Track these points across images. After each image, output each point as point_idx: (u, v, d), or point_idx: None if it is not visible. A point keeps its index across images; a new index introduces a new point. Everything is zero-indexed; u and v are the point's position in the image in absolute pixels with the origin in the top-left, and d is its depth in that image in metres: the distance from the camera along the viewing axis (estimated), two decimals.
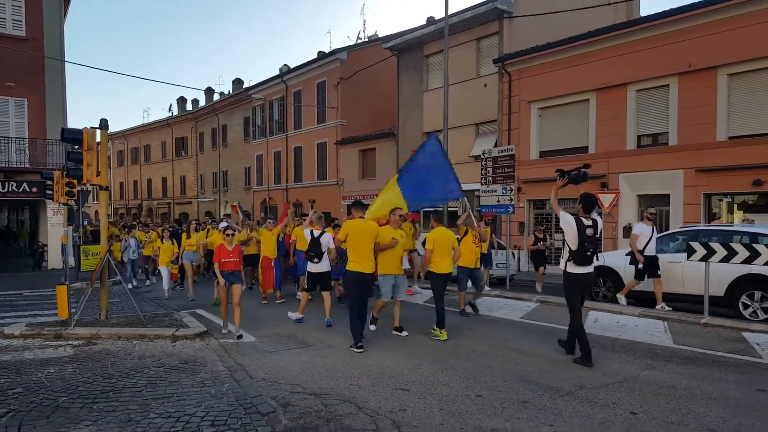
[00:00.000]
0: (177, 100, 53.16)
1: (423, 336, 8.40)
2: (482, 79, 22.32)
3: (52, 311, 10.19)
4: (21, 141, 20.31)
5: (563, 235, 7.04)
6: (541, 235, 14.21)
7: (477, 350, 7.58)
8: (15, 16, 20.49)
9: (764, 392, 5.68)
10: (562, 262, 6.99)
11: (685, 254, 9.66)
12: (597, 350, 7.52)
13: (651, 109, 17.25)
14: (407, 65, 26.16)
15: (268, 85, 36.13)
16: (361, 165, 29.59)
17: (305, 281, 12.64)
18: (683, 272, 10.34)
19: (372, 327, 8.69)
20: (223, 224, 13.81)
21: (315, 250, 9.59)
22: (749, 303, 9.57)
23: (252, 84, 39.36)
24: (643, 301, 11.14)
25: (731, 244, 9.03)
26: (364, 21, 62.87)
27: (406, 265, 12.00)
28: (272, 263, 12.17)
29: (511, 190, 14.04)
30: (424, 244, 10.79)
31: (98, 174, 9.70)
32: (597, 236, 6.84)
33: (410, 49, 25.80)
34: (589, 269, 6.89)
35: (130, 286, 14.11)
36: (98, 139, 9.70)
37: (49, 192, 15.85)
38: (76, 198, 15.16)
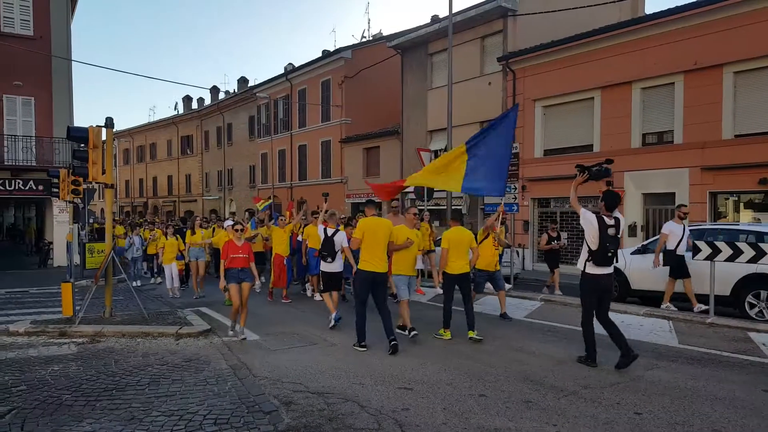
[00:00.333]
0: (183, 98, 53.36)
1: (427, 335, 8.37)
2: (486, 77, 22.26)
3: (57, 308, 10.23)
4: (28, 139, 20.42)
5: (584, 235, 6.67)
6: (554, 234, 13.61)
7: (481, 349, 7.57)
8: (23, 16, 20.60)
9: None
10: (581, 261, 6.70)
11: (690, 253, 9.60)
12: (601, 350, 7.47)
13: (656, 107, 17.16)
14: (411, 64, 26.12)
15: (273, 83, 36.16)
16: (366, 163, 29.58)
17: (315, 281, 12.65)
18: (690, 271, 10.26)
19: (414, 333, 8.20)
20: (229, 222, 13.75)
21: (328, 249, 9.31)
22: (755, 302, 9.50)
23: (257, 83, 39.41)
24: (647, 300, 11.10)
25: (737, 243, 8.97)
26: (369, 20, 62.89)
27: (420, 265, 11.71)
28: (284, 261, 12.01)
29: (515, 188, 14.02)
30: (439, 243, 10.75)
31: (103, 172, 9.74)
32: (619, 236, 6.60)
33: (414, 47, 25.75)
34: (609, 270, 6.61)
35: (134, 284, 14.08)
36: (104, 137, 9.74)
37: (55, 190, 15.98)
38: (81, 196, 15.22)
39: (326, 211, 9.89)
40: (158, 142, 53.09)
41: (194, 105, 51.54)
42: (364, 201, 27.85)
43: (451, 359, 7.01)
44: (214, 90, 49.01)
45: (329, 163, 31.92)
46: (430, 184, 9.21)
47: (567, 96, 19.37)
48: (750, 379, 6.11)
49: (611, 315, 9.88)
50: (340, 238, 9.29)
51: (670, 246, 10.10)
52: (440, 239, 8.83)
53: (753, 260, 8.78)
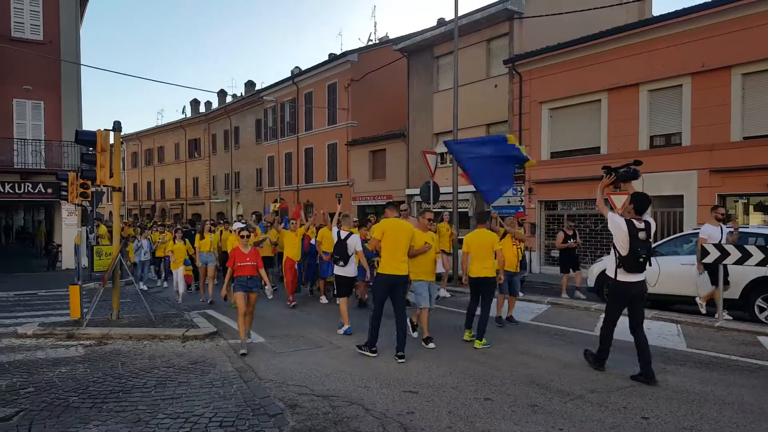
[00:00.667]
0: (190, 102, 53.54)
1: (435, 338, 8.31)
2: (493, 79, 22.22)
3: (65, 311, 10.28)
4: (37, 143, 20.55)
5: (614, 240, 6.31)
6: (570, 232, 13.03)
7: (487, 353, 7.54)
8: (33, 21, 20.76)
9: None
10: (611, 268, 6.40)
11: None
12: (610, 353, 7.45)
13: (664, 110, 17.06)
14: (417, 67, 26.12)
15: (280, 87, 36.27)
16: (372, 166, 29.59)
17: (323, 285, 12.46)
18: (697, 274, 10.16)
19: (431, 345, 7.86)
20: (238, 225, 13.65)
21: (340, 252, 9.08)
22: (765, 306, 9.44)
23: (264, 86, 39.52)
24: (656, 303, 11.03)
25: (746, 246, 8.89)
26: (375, 23, 63.10)
27: (440, 269, 11.36)
28: (296, 265, 11.85)
29: (521, 190, 13.96)
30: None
31: (111, 175, 9.79)
32: (650, 240, 6.22)
33: (421, 50, 25.75)
34: (641, 277, 6.25)
35: (142, 287, 14.04)
36: (111, 140, 9.79)
37: (63, 193, 16.05)
38: (90, 199, 15.29)
39: (340, 213, 9.69)
40: (166, 145, 53.34)
41: (202, 108, 51.77)
42: (370, 204, 28.12)
43: (456, 362, 6.99)
44: (222, 93, 49.17)
45: (335, 165, 31.95)
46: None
47: (574, 98, 19.29)
48: (759, 384, 6.06)
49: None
50: (354, 242, 9.07)
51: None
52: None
53: (762, 263, 8.70)
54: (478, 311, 8.21)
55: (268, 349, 7.85)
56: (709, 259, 9.13)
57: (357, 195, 29.75)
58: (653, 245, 11.82)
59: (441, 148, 23.85)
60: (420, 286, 8.02)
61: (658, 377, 6.28)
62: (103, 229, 18.41)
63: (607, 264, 6.49)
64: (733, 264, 8.94)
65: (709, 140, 15.75)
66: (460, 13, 17.20)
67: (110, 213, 47.44)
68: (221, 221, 19.92)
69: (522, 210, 14.16)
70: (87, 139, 9.61)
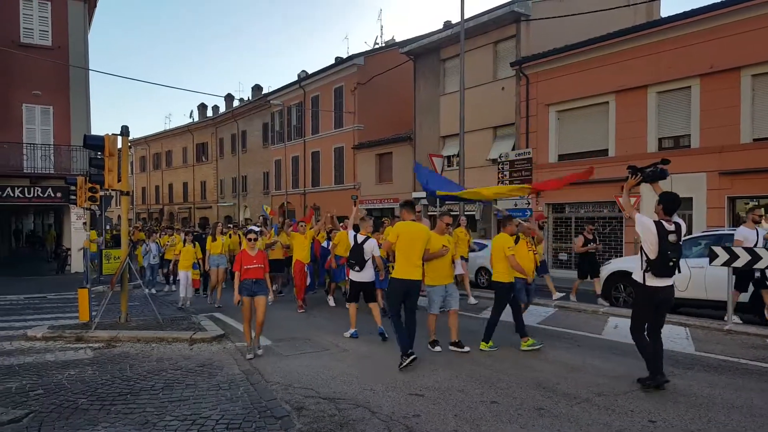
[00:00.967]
0: (198, 106, 53.79)
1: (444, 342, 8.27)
2: (500, 82, 22.21)
3: (74, 314, 10.33)
4: (46, 147, 20.73)
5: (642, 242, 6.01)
6: (590, 236, 12.73)
7: (493, 356, 7.52)
8: (42, 27, 20.97)
9: None
10: (638, 272, 6.09)
11: (708, 259, 9.44)
12: (617, 356, 7.46)
13: (672, 111, 17.00)
14: (424, 69, 26.15)
15: (287, 90, 36.41)
16: (378, 169, 29.63)
17: (333, 288, 12.30)
18: (706, 277, 10.07)
19: (437, 348, 7.76)
20: (254, 228, 13.44)
21: (356, 257, 8.73)
22: None
23: (271, 90, 39.71)
24: None
25: (755, 249, 8.83)
26: (382, 26, 63.22)
27: (460, 270, 10.98)
28: (306, 268, 11.65)
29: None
30: None
31: (119, 179, 9.86)
32: (680, 243, 5.90)
33: (427, 53, 25.78)
34: (669, 282, 5.95)
35: (150, 291, 13.92)
36: (119, 145, 9.86)
37: (72, 197, 16.17)
38: (98, 203, 15.40)
39: (358, 213, 9.45)
40: (174, 149, 53.61)
41: (209, 113, 52.02)
42: (377, 207, 28.11)
43: (463, 365, 6.98)
44: (229, 98, 49.43)
45: (342, 169, 32.01)
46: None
47: (581, 100, 19.25)
48: None
49: (626, 322, 9.86)
50: (371, 246, 8.72)
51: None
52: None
53: None
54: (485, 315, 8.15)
55: (274, 351, 7.87)
56: (717, 263, 9.07)
57: (363, 198, 29.77)
58: None
59: (447, 151, 23.87)
60: (435, 292, 7.69)
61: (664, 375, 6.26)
62: (93, 234, 18.51)
63: (634, 267, 6.12)
64: (743, 267, 8.86)
65: (719, 142, 15.67)
66: (466, 16, 17.22)
67: (119, 217, 47.82)
68: (229, 225, 19.92)
69: (529, 214, 14.07)
70: (95, 143, 9.67)
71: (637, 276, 6.10)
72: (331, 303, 12.26)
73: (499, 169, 14.59)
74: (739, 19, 15.20)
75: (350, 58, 30.93)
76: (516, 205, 14.03)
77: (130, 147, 10.90)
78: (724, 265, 9.02)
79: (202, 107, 53.27)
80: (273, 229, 14.45)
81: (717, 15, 15.63)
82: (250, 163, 41.82)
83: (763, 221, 11.30)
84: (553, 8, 20.99)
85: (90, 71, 22.25)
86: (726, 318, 9.30)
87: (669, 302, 6.10)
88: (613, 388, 5.97)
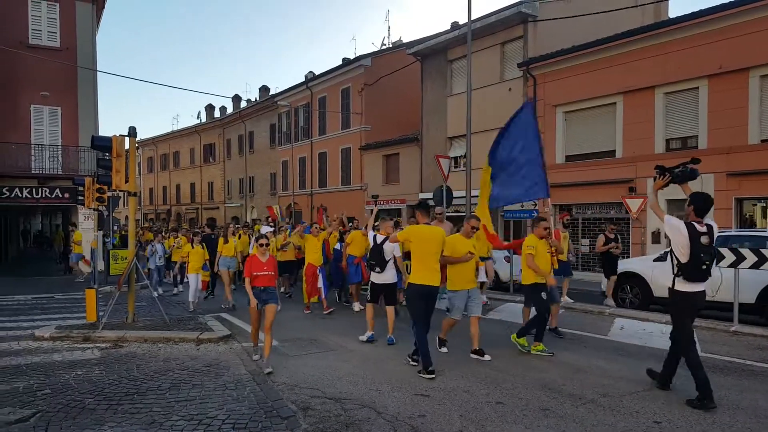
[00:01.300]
0: (205, 107, 54.03)
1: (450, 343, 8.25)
2: (507, 83, 22.18)
3: (82, 314, 10.40)
4: (54, 148, 20.86)
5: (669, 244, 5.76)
6: (612, 236, 12.33)
7: (499, 357, 7.50)
8: (50, 28, 21.11)
9: None
10: (668, 277, 5.79)
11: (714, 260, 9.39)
12: (623, 357, 7.45)
13: (680, 112, 16.93)
14: (431, 70, 26.15)
15: (294, 91, 36.50)
16: (385, 170, 29.66)
17: (355, 290, 11.92)
18: (712, 278, 9.98)
19: (444, 350, 7.66)
20: (266, 229, 13.11)
21: (376, 257, 8.48)
22: None
23: (278, 91, 39.80)
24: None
25: (762, 250, 8.79)
26: (389, 27, 63.00)
27: (483, 277, 10.49)
28: (317, 271, 11.40)
29: None
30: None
31: (127, 180, 9.92)
32: (713, 245, 5.63)
33: (434, 54, 25.79)
34: (702, 287, 5.65)
35: (157, 293, 13.52)
36: (127, 146, 9.92)
37: (80, 198, 16.24)
38: (106, 204, 15.46)
39: (392, 219, 9.09)
40: (181, 150, 53.83)
41: (216, 114, 52.21)
42: (383, 208, 28.10)
43: (468, 366, 6.98)
44: (236, 99, 49.61)
45: (349, 170, 32.06)
46: (484, 214, 8.79)
47: (589, 101, 19.21)
48: None
49: (632, 323, 9.91)
50: (391, 246, 8.46)
51: None
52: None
53: None
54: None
55: (280, 352, 7.89)
56: (724, 264, 9.03)
57: (370, 199, 29.81)
58: (668, 249, 11.77)
59: (454, 152, 23.85)
60: (457, 297, 7.41)
61: (672, 381, 6.23)
62: (78, 235, 18.59)
63: (640, 269, 5.84)
64: (749, 268, 8.82)
65: (726, 143, 15.60)
66: (473, 17, 17.22)
67: (126, 217, 48.09)
68: (237, 225, 19.87)
69: (536, 215, 14.00)
70: (103, 144, 9.74)
71: (668, 282, 5.78)
72: (357, 307, 11.50)
73: None
74: (748, 19, 15.13)
75: (357, 59, 30.98)
76: (522, 206, 13.98)
77: (137, 148, 11.00)
78: (730, 266, 8.99)
79: (210, 108, 53.49)
80: (288, 230, 14.30)
81: (725, 15, 15.56)
82: (258, 163, 41.94)
83: None
84: (561, 9, 20.96)
85: (98, 72, 22.38)
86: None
87: (701, 308, 5.79)
88: (619, 389, 5.96)
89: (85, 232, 21.27)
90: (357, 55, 31.70)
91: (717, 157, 15.71)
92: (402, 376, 6.50)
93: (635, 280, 11.58)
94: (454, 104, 24.31)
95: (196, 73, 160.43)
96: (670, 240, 5.67)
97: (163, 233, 16.59)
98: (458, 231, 8.48)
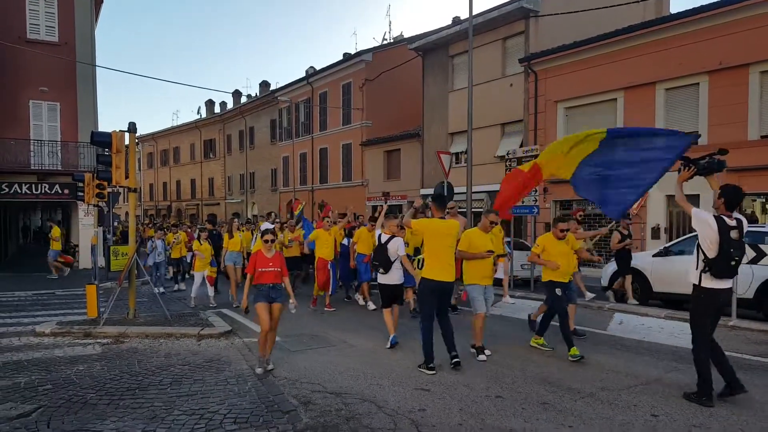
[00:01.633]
0: (205, 102, 54.03)
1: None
2: (508, 78, 22.18)
3: (82, 310, 10.42)
4: (54, 144, 20.84)
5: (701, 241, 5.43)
6: (626, 232, 11.92)
7: (499, 351, 7.53)
8: (48, 23, 21.05)
9: None
10: (694, 273, 5.47)
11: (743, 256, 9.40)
12: (621, 352, 7.48)
13: (680, 108, 16.94)
14: (432, 66, 26.13)
15: (294, 87, 36.47)
16: (386, 166, 29.67)
17: (366, 289, 11.57)
18: None
19: (482, 357, 7.11)
20: (267, 225, 13.00)
21: (380, 257, 8.11)
22: None
23: (278, 86, 39.77)
24: (669, 302, 10.97)
25: (760, 246, 8.82)
26: (390, 22, 62.90)
27: (501, 274, 10.05)
28: (329, 266, 11.22)
29: (536, 190, 13.88)
30: None
31: (127, 176, 9.93)
32: (743, 240, 5.38)
33: (435, 49, 25.77)
34: (729, 284, 5.42)
35: (159, 290, 13.09)
36: (126, 142, 9.93)
37: (80, 194, 16.22)
38: (106, 199, 15.44)
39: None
40: (181, 146, 53.84)
41: (217, 109, 52.16)
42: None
43: (468, 361, 6.99)
44: (237, 94, 49.57)
45: (350, 166, 32.07)
46: (554, 169, 7.25)
47: (589, 97, 19.22)
48: None
49: (631, 318, 9.93)
50: (396, 246, 8.08)
51: None
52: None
53: None
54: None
55: (282, 347, 7.91)
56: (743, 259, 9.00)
57: (371, 195, 29.81)
58: (668, 244, 11.79)
59: (455, 148, 23.84)
60: (475, 290, 7.25)
61: (670, 375, 6.28)
62: (56, 231, 18.56)
63: (690, 268, 5.49)
64: (747, 263, 8.79)
65: (726, 139, 15.56)
66: (475, 12, 17.16)
67: (126, 213, 48.13)
68: (236, 220, 19.79)
69: (536, 211, 14.02)
70: (102, 140, 9.74)
71: (693, 278, 5.50)
72: (371, 306, 11.14)
73: (506, 166, 14.57)
74: (749, 15, 15.12)
75: (358, 54, 30.94)
76: (523, 202, 13.98)
77: (137, 143, 10.98)
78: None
79: (210, 103, 53.47)
80: (302, 223, 14.08)
81: (726, 11, 15.56)
82: (258, 159, 41.94)
83: None
84: (562, 4, 20.93)
85: (97, 67, 22.35)
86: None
87: (727, 305, 5.46)
88: (617, 383, 5.99)
89: (85, 228, 21.31)
90: (358, 50, 31.66)
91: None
92: (403, 371, 6.53)
93: (635, 275, 11.59)
94: (455, 100, 24.30)
95: (196, 68, 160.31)
96: (697, 234, 5.41)
97: (165, 229, 16.39)
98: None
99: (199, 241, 12.61)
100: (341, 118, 32.48)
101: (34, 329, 9.06)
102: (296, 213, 16.52)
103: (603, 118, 18.85)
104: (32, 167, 20.37)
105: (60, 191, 21.18)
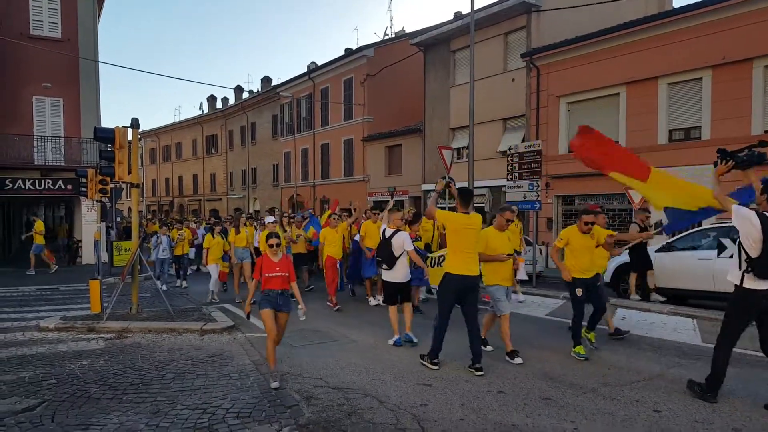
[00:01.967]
0: (207, 98, 53.95)
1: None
2: (510, 73, 22.12)
3: (86, 305, 10.47)
4: (57, 140, 20.87)
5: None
6: (643, 225, 11.32)
7: (501, 347, 7.51)
8: (51, 19, 21.07)
9: None
10: (736, 273, 5.20)
11: (716, 251, 9.41)
12: (623, 347, 7.47)
13: (683, 103, 16.87)
14: (434, 61, 26.07)
15: (296, 82, 36.43)
16: (388, 161, 29.65)
17: (369, 285, 11.42)
18: (714, 269, 10.04)
19: (518, 360, 6.72)
20: (270, 219, 13.02)
21: (383, 253, 7.79)
22: None
23: (280, 82, 39.77)
24: (672, 298, 10.96)
25: None
26: (392, 17, 62.70)
27: (523, 275, 9.39)
28: (337, 264, 11.09)
29: (538, 185, 13.87)
30: None
31: (129, 172, 9.94)
32: None
33: (437, 44, 25.71)
34: None
35: (162, 286, 13.17)
36: (129, 137, 9.93)
37: (83, 189, 16.24)
38: (109, 195, 15.44)
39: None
40: (184, 141, 53.86)
41: (218, 105, 52.19)
42: (386, 199, 28.07)
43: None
44: (238, 90, 49.53)
45: (351, 161, 32.07)
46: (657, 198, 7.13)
47: (592, 92, 19.16)
48: None
49: (634, 313, 9.91)
50: (401, 240, 7.68)
51: None
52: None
53: None
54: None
55: (284, 342, 7.84)
56: (726, 254, 9.11)
57: (373, 191, 29.83)
58: (670, 240, 11.76)
59: (457, 143, 23.82)
60: (498, 291, 6.96)
61: (672, 371, 6.29)
62: (39, 225, 18.67)
63: (730, 268, 5.26)
64: None
65: (730, 134, 15.53)
66: (477, 7, 17.11)
67: (129, 209, 48.20)
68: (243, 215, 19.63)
69: (538, 207, 14.01)
70: (105, 136, 9.75)
71: (733, 278, 5.23)
72: (373, 302, 11.03)
73: (508, 161, 14.56)
74: (752, 9, 15.04)
75: (360, 49, 30.90)
76: (525, 197, 13.98)
77: (140, 139, 11.00)
78: (732, 257, 8.94)
79: (212, 99, 53.45)
80: (309, 219, 13.94)
81: (729, 5, 15.46)
82: (260, 155, 41.95)
83: None
84: None
85: (99, 63, 22.36)
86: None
87: (760, 310, 5.16)
88: (619, 379, 6.00)
89: (88, 224, 21.36)
90: (359, 45, 31.64)
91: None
92: (405, 367, 6.54)
93: (637, 271, 11.56)
94: (457, 95, 24.26)
95: (197, 64, 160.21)
96: (738, 233, 5.14)
97: (169, 225, 16.36)
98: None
99: (212, 235, 12.62)
100: (343, 114, 32.46)
101: (38, 324, 9.10)
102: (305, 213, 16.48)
103: (605, 113, 18.81)
104: (35, 163, 20.43)
105: (63, 187, 21.24)
